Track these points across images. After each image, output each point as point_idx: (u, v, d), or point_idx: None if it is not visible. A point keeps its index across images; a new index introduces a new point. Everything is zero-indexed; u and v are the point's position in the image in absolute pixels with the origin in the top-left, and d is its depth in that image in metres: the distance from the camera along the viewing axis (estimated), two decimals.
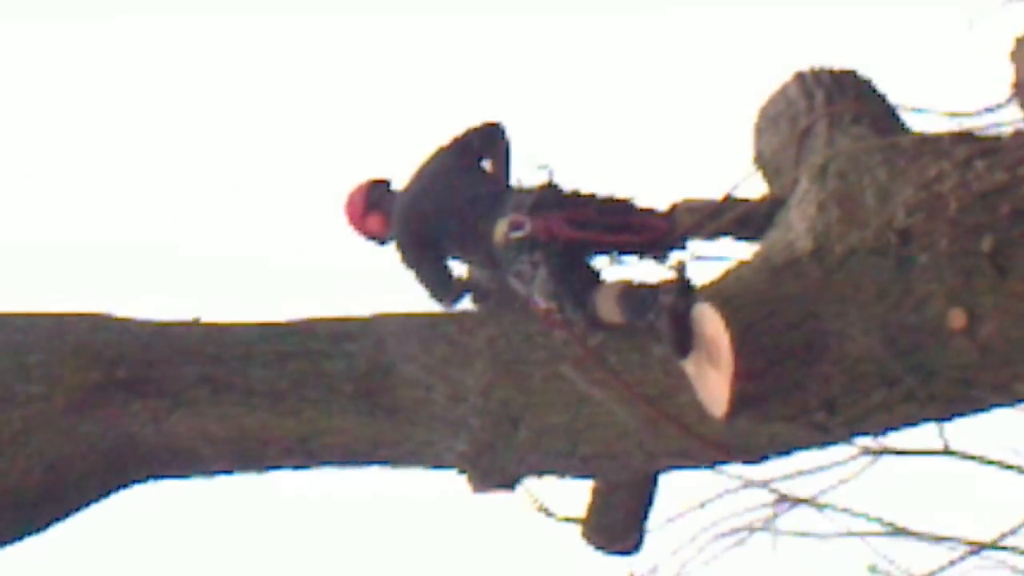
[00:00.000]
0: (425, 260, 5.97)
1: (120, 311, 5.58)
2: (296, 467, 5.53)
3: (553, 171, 5.70)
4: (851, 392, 4.77)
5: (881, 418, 4.85)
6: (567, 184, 5.68)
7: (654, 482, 5.72)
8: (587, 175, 5.76)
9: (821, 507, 5.83)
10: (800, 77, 5.80)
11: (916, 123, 5.58)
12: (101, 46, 13.53)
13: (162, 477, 5.57)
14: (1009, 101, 5.29)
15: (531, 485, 5.58)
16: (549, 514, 5.70)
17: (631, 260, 5.55)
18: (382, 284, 6.39)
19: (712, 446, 5.01)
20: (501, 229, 5.50)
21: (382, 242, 6.24)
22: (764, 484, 5.68)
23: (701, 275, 5.12)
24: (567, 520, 5.75)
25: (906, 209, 4.77)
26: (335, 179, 6.37)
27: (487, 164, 6.14)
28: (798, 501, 5.73)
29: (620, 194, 5.67)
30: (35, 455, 5.25)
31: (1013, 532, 5.66)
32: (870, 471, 5.68)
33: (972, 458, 5.57)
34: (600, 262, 5.50)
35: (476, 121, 6.17)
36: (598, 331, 5.18)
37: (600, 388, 5.08)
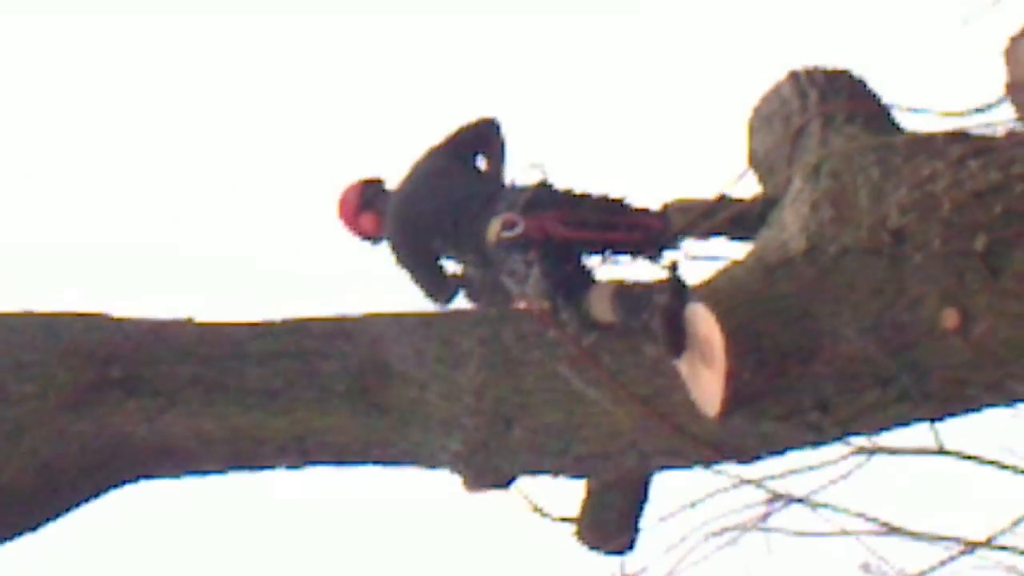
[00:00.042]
0: (419, 260, 5.98)
1: (118, 310, 5.59)
2: (290, 466, 5.53)
3: (546, 170, 5.71)
4: (844, 392, 4.76)
5: (874, 418, 4.85)
6: (560, 183, 5.69)
7: (647, 481, 5.72)
8: (580, 174, 5.77)
9: (814, 506, 5.85)
10: (794, 76, 5.79)
11: (909, 122, 5.59)
12: (101, 46, 13.54)
13: (156, 476, 5.57)
14: (1002, 100, 5.29)
15: (525, 484, 5.59)
16: (543, 514, 5.71)
17: (624, 259, 5.56)
18: (380, 283, 6.40)
19: (705, 446, 5.01)
20: (494, 228, 5.50)
21: (375, 241, 6.25)
22: (757, 483, 5.69)
23: (694, 274, 5.13)
24: (561, 519, 5.75)
25: (900, 209, 4.77)
26: (334, 179, 6.38)
27: (482, 160, 6.15)
28: (791, 500, 5.74)
29: (613, 193, 5.68)
30: (28, 454, 5.24)
31: (1006, 531, 5.68)
32: (863, 470, 5.70)
33: (965, 457, 5.59)
34: (593, 261, 5.51)
35: (470, 117, 6.17)
36: (591, 331, 5.18)
37: (594, 388, 5.08)
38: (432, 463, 5.42)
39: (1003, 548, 5.84)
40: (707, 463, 5.24)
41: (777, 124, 5.72)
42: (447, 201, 5.83)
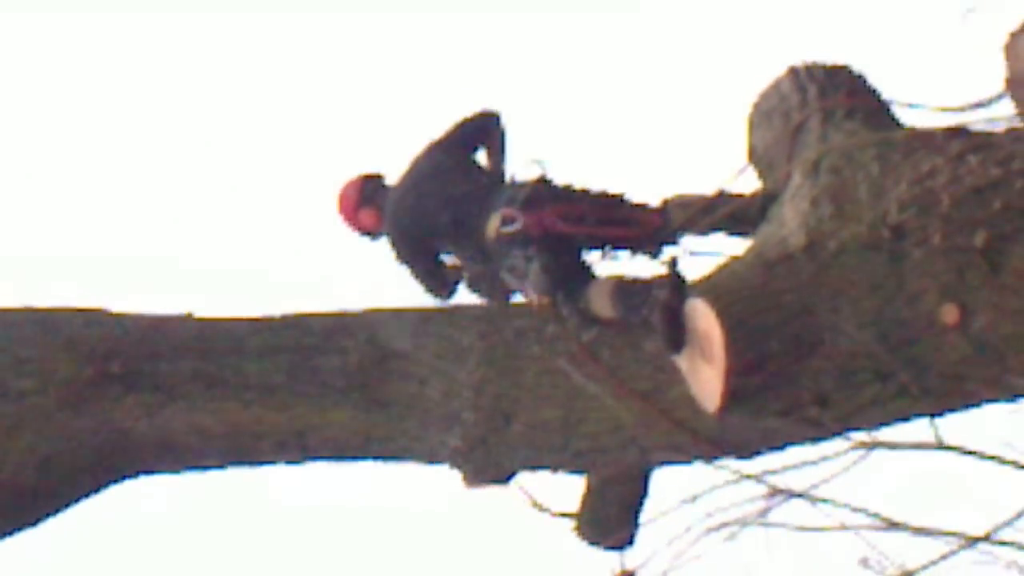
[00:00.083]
0: (418, 256, 5.98)
1: (116, 308, 5.59)
2: (289, 462, 5.53)
3: (546, 166, 5.71)
4: (844, 387, 4.77)
5: (874, 413, 4.86)
6: (560, 179, 5.69)
7: (647, 477, 5.72)
8: (580, 170, 5.77)
9: (814, 501, 5.84)
10: (793, 72, 5.79)
11: (909, 118, 5.59)
12: (100, 46, 13.54)
13: (156, 472, 5.58)
14: (1002, 96, 5.28)
15: (524, 480, 5.59)
16: (542, 509, 5.70)
17: (624, 255, 5.56)
18: (380, 280, 6.41)
19: (705, 441, 5.02)
20: (494, 224, 5.51)
21: (375, 237, 6.24)
22: (757, 478, 5.68)
23: (694, 270, 5.13)
24: (560, 515, 5.74)
25: (899, 204, 4.77)
26: (335, 178, 6.38)
27: (482, 153, 6.13)
28: (791, 495, 5.73)
29: (613, 189, 5.68)
30: (28, 450, 5.25)
31: (1006, 526, 5.67)
32: (863, 465, 5.69)
33: (965, 452, 5.57)
34: (593, 257, 5.51)
35: (469, 111, 6.16)
36: (591, 326, 5.18)
37: (593, 383, 5.08)
38: (431, 458, 5.43)
39: (1003, 543, 5.83)
40: (707, 458, 5.24)
41: (777, 120, 5.72)
42: (446, 197, 5.82)
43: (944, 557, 5.71)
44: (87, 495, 5.50)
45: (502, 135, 6.10)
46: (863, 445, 5.49)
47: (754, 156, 5.88)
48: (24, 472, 5.25)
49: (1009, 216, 4.63)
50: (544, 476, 5.49)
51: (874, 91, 5.71)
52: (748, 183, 5.82)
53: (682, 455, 5.18)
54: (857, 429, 5.06)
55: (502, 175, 6.02)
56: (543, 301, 5.28)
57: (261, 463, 5.52)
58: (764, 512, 5.75)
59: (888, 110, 5.63)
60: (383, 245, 6.15)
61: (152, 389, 5.32)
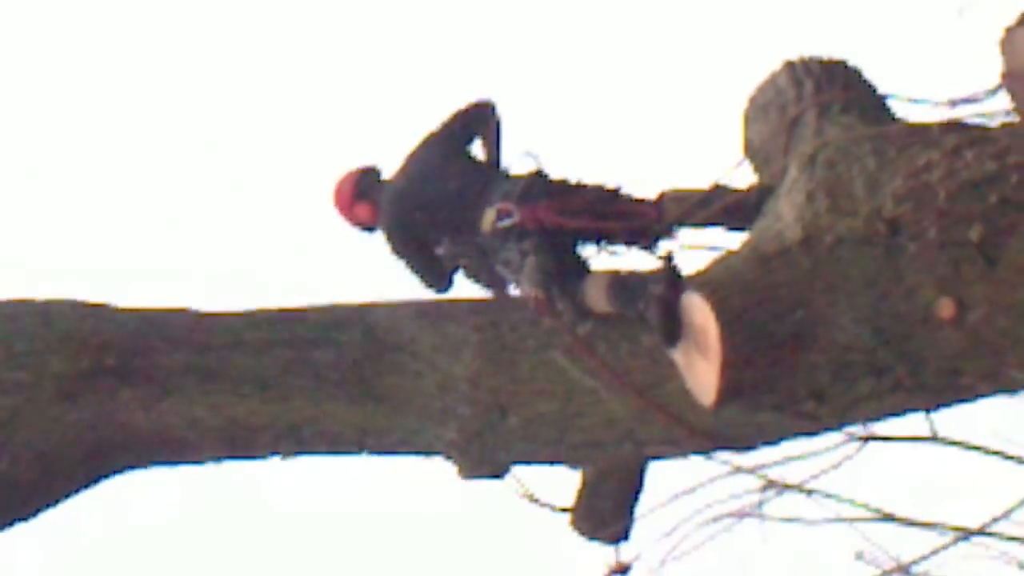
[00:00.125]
0: (414, 250, 5.98)
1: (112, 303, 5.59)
2: (285, 455, 5.53)
3: (541, 159, 5.71)
4: (840, 381, 4.77)
5: (870, 407, 4.86)
6: (555, 172, 5.69)
7: (643, 470, 5.72)
8: (575, 164, 5.76)
9: (809, 493, 5.86)
10: (789, 66, 5.79)
11: (905, 112, 5.59)
12: (100, 46, 13.53)
13: (151, 465, 5.57)
14: (997, 90, 5.28)
15: (520, 473, 5.59)
16: (538, 502, 5.71)
17: (620, 249, 5.55)
18: (375, 275, 6.41)
19: (701, 434, 5.02)
20: (489, 218, 5.50)
21: (370, 230, 6.24)
22: (752, 470, 5.70)
23: (690, 264, 5.13)
24: (556, 508, 5.75)
25: (895, 198, 4.77)
26: (333, 176, 6.37)
27: (479, 143, 6.12)
28: (786, 487, 5.75)
29: (608, 182, 5.68)
30: (23, 443, 5.24)
31: (1000, 519, 5.69)
32: (858, 457, 5.70)
33: (960, 445, 5.59)
34: (589, 251, 5.51)
35: (463, 102, 6.15)
36: (587, 320, 5.18)
37: (589, 377, 5.08)
38: (427, 451, 5.43)
39: (997, 535, 5.85)
40: (702, 452, 5.25)
41: (773, 114, 5.72)
42: (442, 192, 5.82)
43: (939, 549, 5.73)
44: (83, 488, 5.50)
45: (497, 124, 6.09)
46: (858, 437, 5.51)
47: (750, 150, 5.89)
48: (20, 465, 5.25)
49: (1005, 210, 4.63)
50: (540, 469, 5.49)
51: (870, 85, 5.72)
52: (744, 177, 5.83)
53: (678, 449, 5.19)
54: (853, 423, 5.07)
55: (498, 164, 6.02)
56: (539, 295, 5.27)
57: (257, 457, 5.52)
58: (759, 505, 5.77)
59: (884, 104, 5.64)
60: (379, 239, 6.16)
61: (147, 382, 5.31)
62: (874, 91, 5.69)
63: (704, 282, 4.90)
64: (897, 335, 4.69)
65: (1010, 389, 4.86)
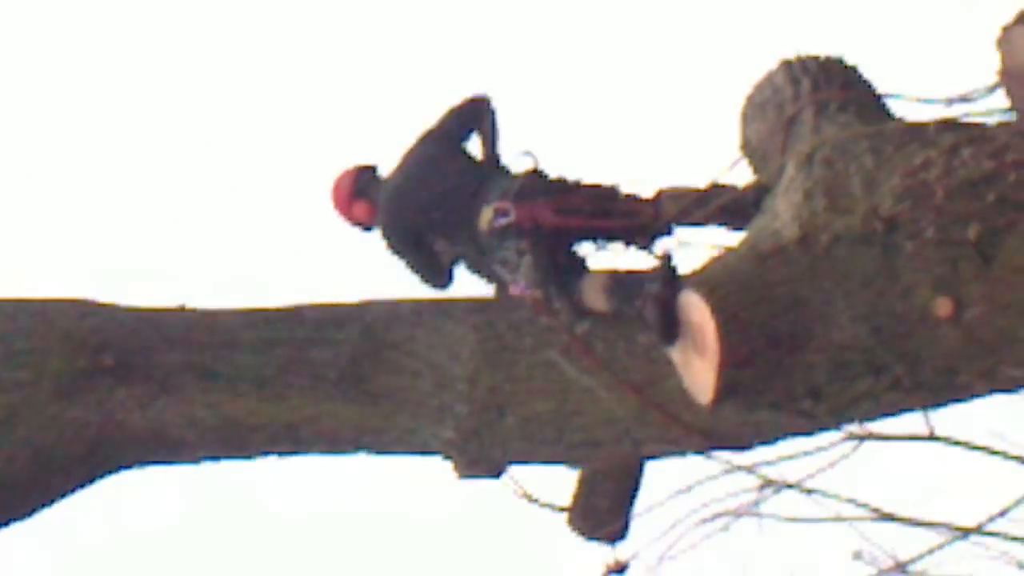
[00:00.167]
0: (412, 248, 5.97)
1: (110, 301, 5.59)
2: (282, 453, 5.53)
3: (538, 158, 5.70)
4: (837, 380, 4.77)
5: (867, 406, 4.87)
6: (552, 171, 5.68)
7: (640, 469, 5.72)
8: (573, 162, 5.76)
9: (806, 492, 5.84)
10: (786, 65, 5.79)
11: (902, 111, 5.59)
12: (100, 46, 13.53)
13: (148, 463, 5.57)
14: (995, 89, 5.28)
15: (517, 472, 5.59)
16: (535, 501, 5.70)
17: (617, 247, 5.55)
18: (373, 274, 6.40)
19: (698, 433, 5.02)
20: (486, 217, 5.50)
21: (368, 229, 6.23)
22: (749, 469, 5.69)
23: (687, 262, 5.13)
24: (553, 507, 5.75)
25: (892, 197, 4.77)
26: (332, 175, 6.37)
27: (476, 138, 6.11)
28: (783, 486, 5.73)
29: (605, 181, 5.67)
30: (21, 441, 5.25)
31: (997, 517, 5.68)
32: (855, 456, 5.69)
33: (957, 443, 5.58)
34: (586, 249, 5.51)
35: (458, 98, 6.14)
36: (584, 319, 5.18)
37: (587, 376, 5.09)
38: (424, 450, 5.43)
39: (995, 534, 5.84)
40: (700, 450, 5.24)
41: (770, 112, 5.72)
42: (438, 191, 5.82)
43: (937, 548, 5.72)
44: (80, 486, 5.50)
45: (493, 119, 6.06)
46: (856, 436, 5.50)
47: (748, 148, 5.89)
48: (17, 463, 5.25)
49: (1002, 209, 4.64)
50: (537, 468, 5.49)
51: (867, 84, 5.72)
52: (742, 175, 5.83)
53: (675, 447, 5.19)
54: (850, 422, 5.07)
55: (497, 160, 6.00)
56: (536, 294, 5.27)
57: (254, 455, 5.52)
58: (757, 503, 5.76)
59: (881, 103, 5.64)
60: (376, 237, 6.15)
61: (145, 381, 5.32)
62: (871, 89, 5.69)
63: (701, 281, 4.90)
64: (894, 334, 4.69)
65: (1007, 387, 4.86)
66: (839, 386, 4.78)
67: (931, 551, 5.73)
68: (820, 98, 5.53)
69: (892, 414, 5.02)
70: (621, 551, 5.77)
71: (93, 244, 12.73)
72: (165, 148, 13.24)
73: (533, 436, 5.22)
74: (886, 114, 5.55)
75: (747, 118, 5.92)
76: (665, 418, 4.99)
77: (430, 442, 5.33)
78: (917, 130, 4.98)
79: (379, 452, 5.47)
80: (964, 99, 5.30)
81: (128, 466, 5.55)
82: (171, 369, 5.33)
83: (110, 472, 5.53)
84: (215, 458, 5.56)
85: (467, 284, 6.02)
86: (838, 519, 5.80)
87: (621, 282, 5.08)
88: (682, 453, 5.25)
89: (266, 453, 5.51)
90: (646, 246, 5.53)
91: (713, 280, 4.90)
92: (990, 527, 5.66)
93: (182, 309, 5.57)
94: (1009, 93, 5.19)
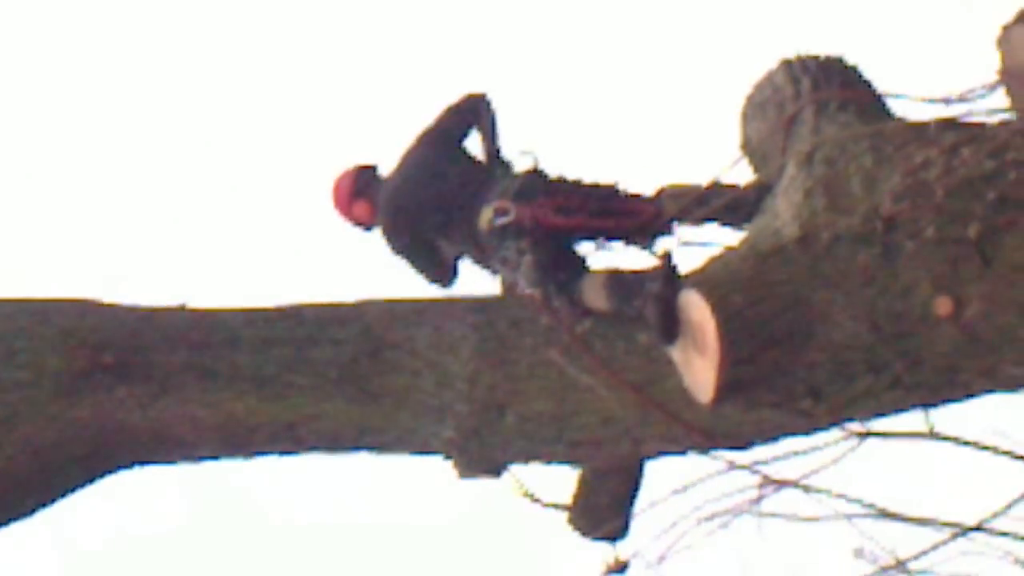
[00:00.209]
0: (414, 247, 5.98)
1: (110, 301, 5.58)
2: (283, 453, 5.53)
3: (538, 157, 5.70)
4: (837, 379, 4.78)
5: (867, 405, 4.87)
6: (552, 170, 5.68)
7: (640, 468, 5.72)
8: (573, 161, 5.76)
9: (807, 490, 5.84)
10: (787, 64, 5.78)
11: (902, 110, 5.59)
12: (100, 45, 13.54)
13: (149, 463, 5.57)
14: (995, 88, 5.28)
15: (517, 471, 5.59)
16: (535, 500, 5.70)
17: (617, 246, 5.55)
18: (373, 273, 6.41)
19: (698, 432, 5.02)
20: (486, 216, 5.50)
21: (368, 228, 6.23)
22: (749, 467, 5.69)
23: (687, 261, 5.12)
24: (553, 506, 5.75)
25: (892, 196, 4.77)
26: (333, 174, 6.37)
27: (475, 135, 6.10)
28: (783, 484, 5.73)
29: (606, 180, 5.67)
30: (21, 441, 5.25)
31: (998, 515, 5.68)
32: (856, 454, 5.69)
33: (958, 441, 5.58)
34: (586, 248, 5.51)
35: (455, 97, 6.13)
36: (584, 318, 5.18)
37: (587, 375, 5.08)
38: (424, 449, 5.42)
39: (996, 532, 5.84)
40: (700, 449, 5.24)
41: (770, 112, 5.72)
42: (438, 191, 5.82)
43: (937, 546, 5.72)
44: (80, 486, 5.50)
45: (492, 115, 6.06)
46: (855, 433, 5.50)
47: (748, 147, 5.89)
48: (17, 463, 5.25)
49: (1002, 208, 4.64)
50: (538, 468, 5.49)
51: (867, 83, 5.71)
52: (742, 174, 5.83)
53: (675, 446, 5.19)
54: (850, 420, 5.07)
55: (498, 155, 5.99)
56: (536, 293, 5.27)
57: (255, 454, 5.52)
58: (757, 502, 5.76)
59: (881, 102, 5.63)
60: (377, 237, 6.15)
61: (145, 380, 5.31)
62: (871, 89, 5.69)
63: (702, 280, 4.90)
64: (895, 333, 4.70)
65: (1008, 386, 4.86)
66: (839, 385, 4.78)
67: (932, 549, 5.74)
68: (820, 97, 5.53)
69: (893, 413, 5.02)
70: (621, 550, 5.77)
71: (93, 244, 12.75)
72: (165, 148, 13.25)
73: (533, 435, 5.21)
74: (886, 113, 5.55)
75: (747, 117, 5.92)
76: (665, 417, 4.99)
77: (430, 441, 5.33)
78: (917, 129, 4.98)
79: (379, 451, 5.47)
80: (964, 98, 5.29)
81: (128, 466, 5.55)
82: (171, 368, 5.33)
83: (110, 472, 5.53)
84: (215, 457, 5.56)
85: (469, 283, 6.03)
86: (838, 517, 5.80)
87: (621, 281, 5.08)
88: (682, 452, 5.25)
89: (266, 452, 5.50)
90: (646, 245, 5.53)
91: (713, 279, 4.91)
92: (991, 525, 5.67)
93: (182, 308, 5.56)
94: (1009, 92, 5.19)
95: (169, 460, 5.57)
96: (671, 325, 4.82)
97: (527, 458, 5.39)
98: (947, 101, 5.31)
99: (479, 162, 6.02)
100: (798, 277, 4.82)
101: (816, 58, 5.77)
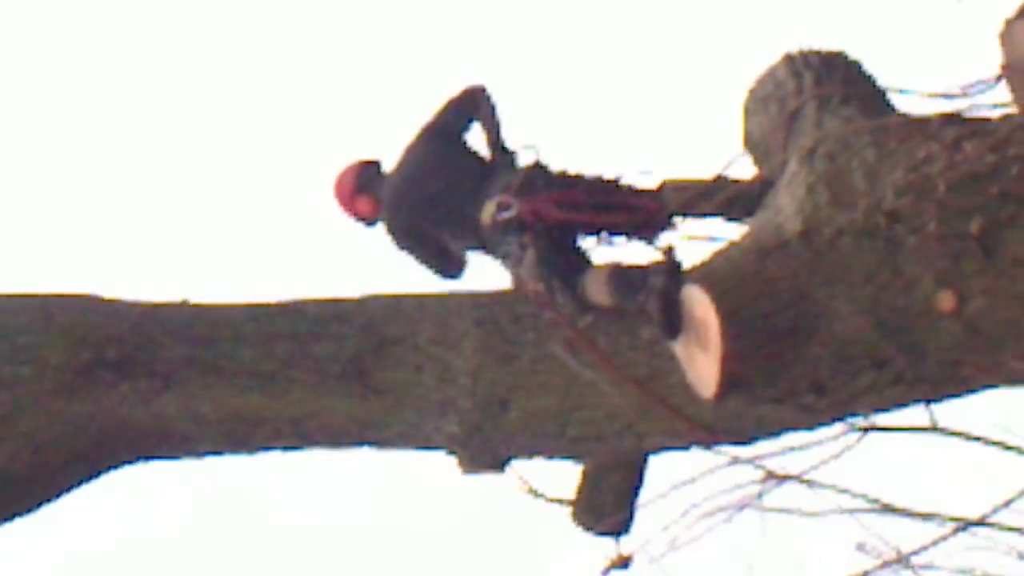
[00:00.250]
0: (418, 242, 5.98)
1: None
2: (286, 448, 5.53)
3: (540, 152, 5.70)
4: (840, 374, 4.78)
5: (870, 400, 4.87)
6: (554, 164, 5.68)
7: (643, 463, 5.72)
8: (576, 155, 5.76)
9: (809, 484, 5.84)
10: (789, 59, 5.78)
11: (905, 104, 5.59)
12: (100, 45, 13.55)
13: (151, 458, 5.57)
14: (997, 82, 5.28)
15: (520, 467, 5.59)
16: (538, 496, 5.71)
17: (620, 241, 5.54)
18: (376, 269, 6.41)
19: (701, 427, 5.02)
20: (489, 211, 5.49)
21: (371, 224, 6.23)
22: (752, 461, 5.69)
23: (690, 256, 5.13)
24: (556, 501, 5.75)
25: (895, 191, 4.77)
26: (333, 174, 6.37)
27: (477, 127, 6.09)
28: (786, 478, 5.74)
29: (609, 174, 5.67)
30: (23, 437, 5.24)
31: (1001, 509, 5.68)
32: (858, 448, 5.70)
33: (960, 435, 5.59)
34: (589, 243, 5.50)
35: (455, 91, 6.13)
36: (587, 313, 5.18)
37: (589, 370, 5.08)
38: (427, 445, 5.42)
39: (998, 526, 5.85)
40: (703, 444, 5.25)
41: (772, 106, 5.72)
42: (440, 185, 5.82)
43: (940, 540, 5.73)
44: (83, 482, 5.50)
45: (492, 107, 6.05)
46: (858, 428, 5.50)
47: (750, 143, 5.88)
48: (20, 459, 5.25)
49: (1005, 202, 4.64)
50: (540, 463, 5.49)
51: (869, 78, 5.71)
52: (744, 169, 5.83)
53: (678, 441, 5.19)
54: (853, 415, 5.08)
55: (502, 147, 5.98)
56: (539, 288, 5.27)
57: (257, 450, 5.52)
58: (760, 496, 5.76)
59: (884, 96, 5.63)
60: (379, 232, 6.15)
61: (147, 375, 5.31)
62: (874, 83, 5.69)
63: (704, 275, 4.91)
64: (897, 327, 4.70)
65: (1010, 380, 4.86)
66: (842, 380, 4.78)
67: (934, 543, 5.74)
68: (822, 92, 5.52)
69: (895, 408, 5.02)
70: (625, 545, 5.77)
71: (95, 242, 12.76)
72: (165, 148, 13.26)
73: (536, 430, 5.21)
74: (888, 108, 5.55)
75: (749, 112, 5.91)
76: (668, 412, 4.99)
77: (433, 436, 5.33)
78: (920, 124, 4.98)
79: (382, 447, 5.47)
80: (966, 93, 5.29)
81: (131, 461, 5.55)
82: (173, 364, 5.32)
83: (113, 468, 5.53)
84: (218, 453, 5.56)
85: (473, 279, 6.03)
86: (841, 512, 5.81)
87: (624, 276, 5.07)
88: (685, 447, 5.26)
89: (269, 448, 5.50)
90: (649, 240, 5.53)
91: (716, 274, 4.91)
92: (993, 519, 5.67)
93: (184, 304, 5.56)
94: (1011, 87, 5.19)
95: (171, 456, 5.57)
96: (674, 320, 4.81)
97: (530, 453, 5.39)
98: (949, 96, 5.31)
99: (481, 156, 6.02)
100: (800, 272, 4.82)
101: (818, 53, 5.77)
